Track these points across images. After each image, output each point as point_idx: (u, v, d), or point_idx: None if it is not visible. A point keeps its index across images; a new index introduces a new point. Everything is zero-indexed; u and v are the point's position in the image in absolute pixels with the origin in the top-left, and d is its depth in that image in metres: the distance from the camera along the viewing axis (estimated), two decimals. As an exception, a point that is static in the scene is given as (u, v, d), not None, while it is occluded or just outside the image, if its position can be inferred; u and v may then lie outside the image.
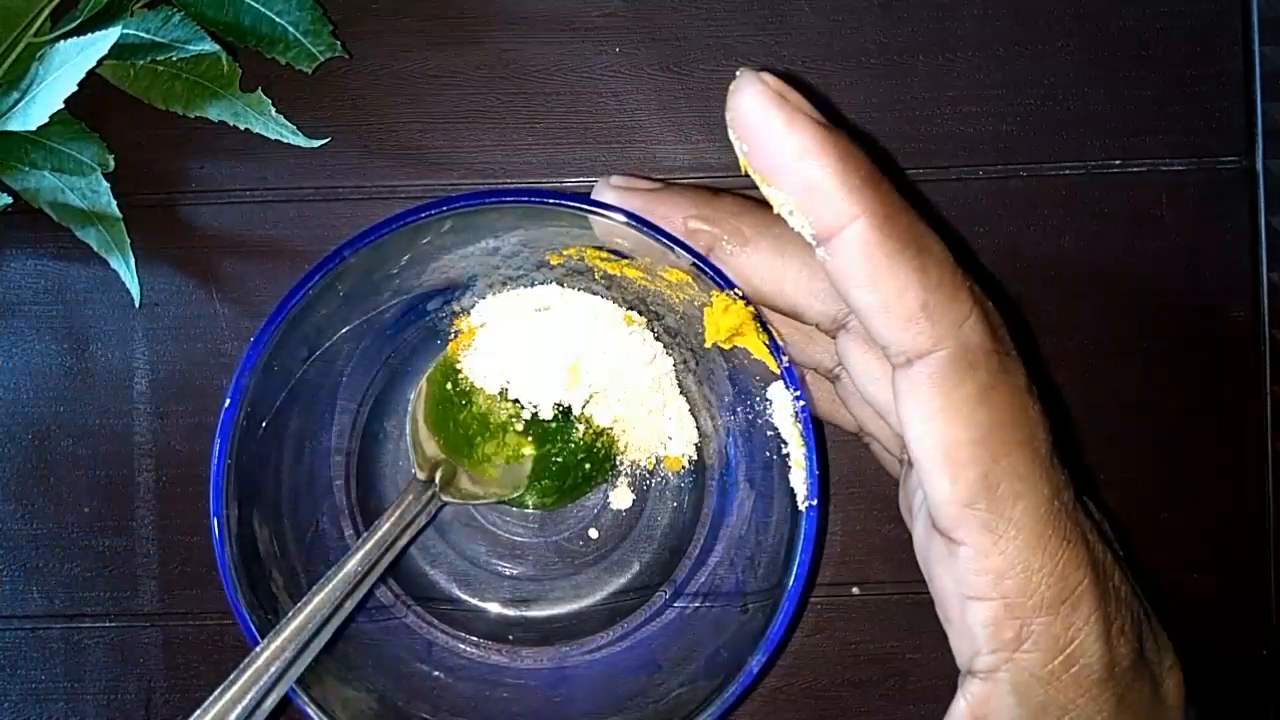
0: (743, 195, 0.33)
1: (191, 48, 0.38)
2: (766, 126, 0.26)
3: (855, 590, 0.43)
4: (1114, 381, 0.42)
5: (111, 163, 0.41)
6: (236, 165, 0.42)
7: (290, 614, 0.32)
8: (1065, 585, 0.27)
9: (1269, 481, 0.42)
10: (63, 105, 0.36)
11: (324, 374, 0.38)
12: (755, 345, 0.32)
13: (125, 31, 0.38)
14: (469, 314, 0.39)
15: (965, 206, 0.42)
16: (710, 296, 0.32)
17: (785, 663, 0.43)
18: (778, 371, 0.32)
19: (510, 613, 0.42)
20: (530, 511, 0.42)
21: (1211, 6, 0.42)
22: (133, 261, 0.41)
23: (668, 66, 0.42)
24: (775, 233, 0.31)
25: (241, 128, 0.40)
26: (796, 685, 0.43)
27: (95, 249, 0.41)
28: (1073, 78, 0.42)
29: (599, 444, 0.40)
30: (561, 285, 0.38)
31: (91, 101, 0.40)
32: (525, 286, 0.38)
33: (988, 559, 0.26)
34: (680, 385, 0.40)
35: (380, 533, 0.35)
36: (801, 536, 0.32)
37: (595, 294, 0.38)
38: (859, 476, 0.43)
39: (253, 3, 0.39)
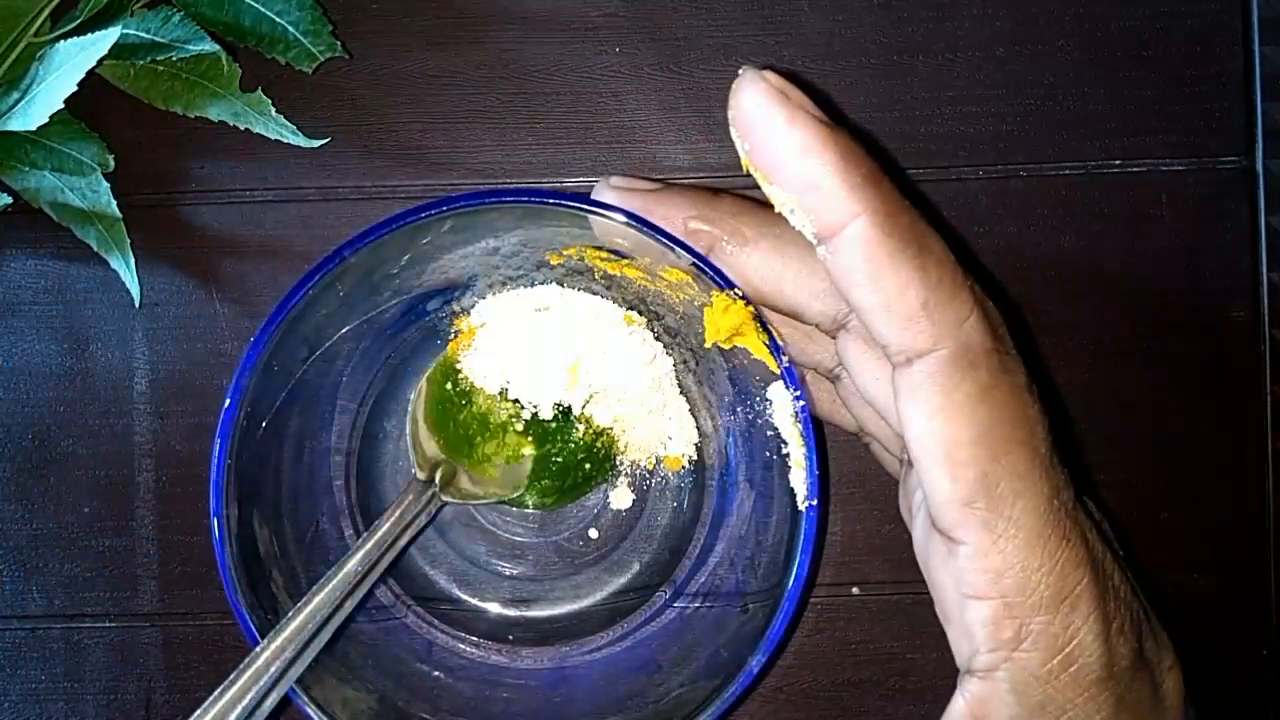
0: (743, 196, 0.33)
1: (191, 48, 0.38)
2: (768, 124, 0.26)
3: (855, 590, 0.43)
4: (1114, 381, 0.42)
5: (111, 163, 0.41)
6: (236, 165, 0.42)
7: (290, 614, 0.32)
8: (1064, 584, 0.27)
9: (1269, 481, 0.42)
10: (63, 105, 0.36)
11: (324, 374, 0.38)
12: (755, 345, 0.32)
13: (125, 31, 0.38)
14: (469, 314, 0.39)
15: (965, 206, 0.42)
16: (710, 296, 0.32)
17: (785, 663, 0.43)
18: (778, 371, 0.32)
19: (510, 613, 0.42)
20: (530, 511, 0.42)
21: (1211, 6, 0.42)
22: (133, 261, 0.41)
23: (668, 66, 0.42)
24: (775, 233, 0.31)
25: (241, 128, 0.40)
26: (796, 685, 0.43)
27: (95, 249, 0.41)
28: (1073, 78, 0.42)
29: (599, 444, 0.40)
30: (561, 285, 0.38)
31: (91, 101, 0.40)
32: (525, 286, 0.38)
33: (987, 558, 0.26)
34: (680, 385, 0.40)
35: (380, 533, 0.35)
36: (801, 536, 0.32)
37: (595, 294, 0.38)
38: (859, 476, 0.43)
39: (253, 3, 0.40)
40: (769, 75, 0.26)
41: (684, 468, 0.41)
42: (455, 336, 0.39)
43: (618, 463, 0.41)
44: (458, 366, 0.39)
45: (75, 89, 0.36)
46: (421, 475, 0.38)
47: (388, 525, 0.35)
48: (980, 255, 0.42)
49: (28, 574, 0.43)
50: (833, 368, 0.34)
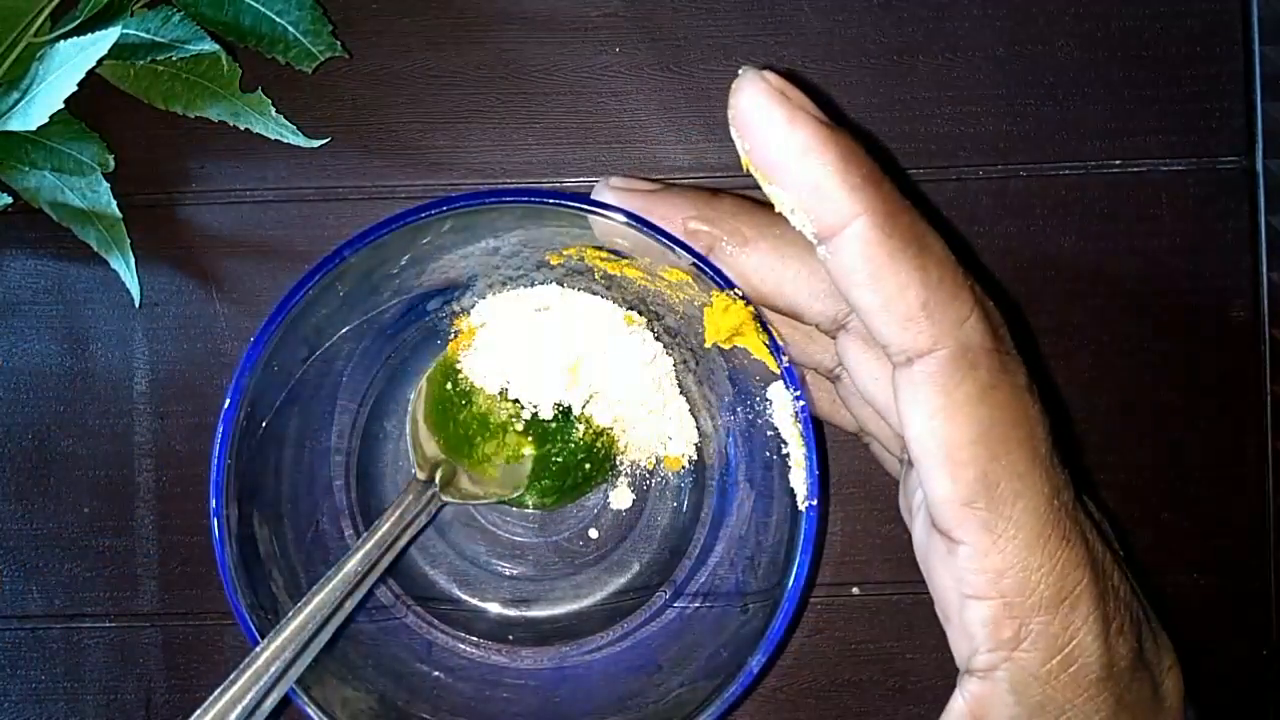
0: (742, 196, 0.33)
1: (191, 48, 0.38)
2: (768, 124, 0.26)
3: (855, 590, 0.43)
4: (1114, 381, 0.42)
5: (111, 163, 0.41)
6: (236, 165, 0.42)
7: (290, 614, 0.32)
8: (1064, 585, 0.27)
9: (1269, 481, 0.42)
10: (63, 105, 0.36)
11: (324, 374, 0.38)
12: (755, 345, 0.32)
13: (125, 31, 0.38)
14: (469, 314, 0.39)
15: (965, 206, 0.42)
16: (710, 296, 0.32)
17: (785, 663, 0.43)
18: (778, 371, 0.32)
19: (510, 613, 0.42)
20: (530, 511, 0.42)
21: (1211, 6, 0.42)
22: (133, 261, 0.41)
23: (668, 66, 0.42)
24: (775, 233, 0.31)
25: (241, 128, 0.40)
26: (796, 685, 0.43)
27: (95, 249, 0.41)
28: (1073, 78, 0.42)
29: (599, 444, 0.40)
30: (561, 285, 0.38)
31: (91, 101, 0.40)
32: (525, 286, 0.38)
33: (987, 558, 0.26)
34: (680, 385, 0.40)
35: (380, 533, 0.35)
36: (801, 536, 0.32)
37: (595, 294, 0.38)
38: (859, 476, 0.43)
39: (253, 3, 0.40)
40: (769, 75, 0.26)
41: (684, 468, 0.41)
42: (455, 336, 0.39)
43: (618, 463, 0.41)
44: (458, 366, 0.39)
45: (75, 89, 0.36)
46: (421, 475, 0.38)
47: (388, 525, 0.35)
48: (980, 255, 0.42)
49: (28, 574, 0.43)
50: (833, 368, 0.34)
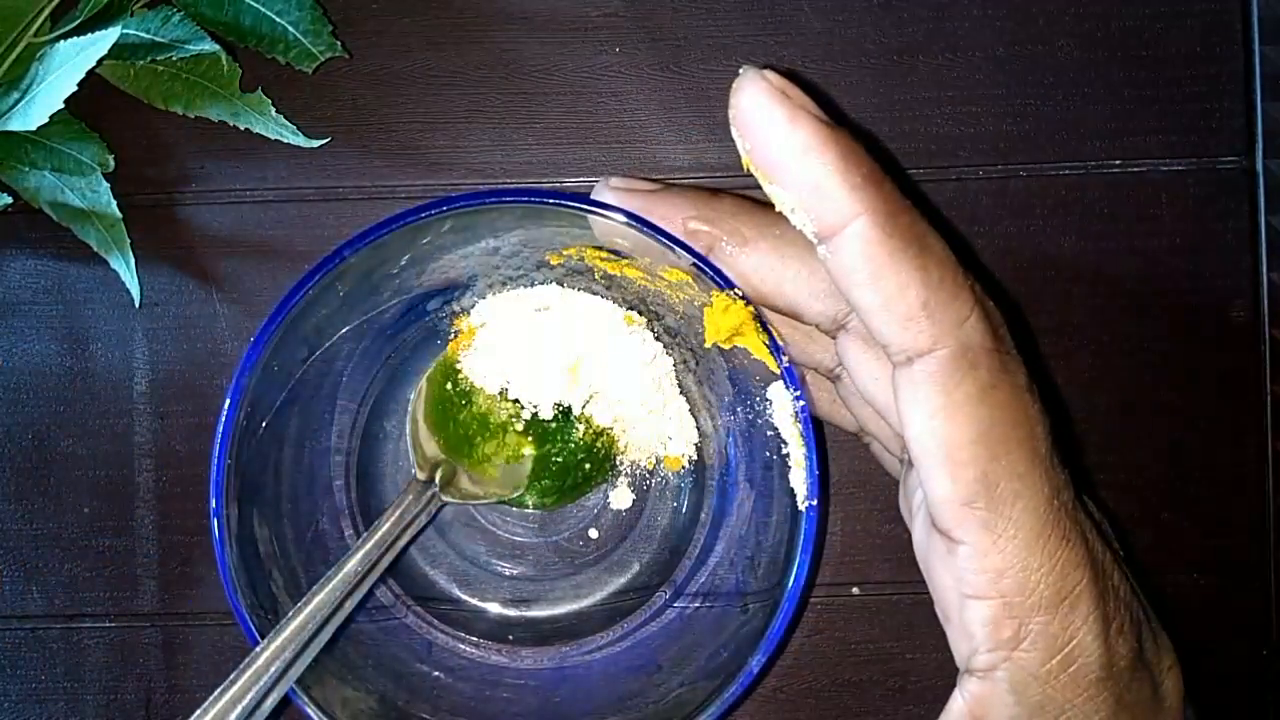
0: (742, 196, 0.33)
1: (191, 48, 0.38)
2: (769, 124, 0.26)
3: (855, 590, 0.43)
4: (1114, 381, 0.42)
5: (111, 163, 0.41)
6: (236, 165, 0.42)
7: (290, 614, 0.32)
8: (1064, 585, 0.27)
9: (1269, 481, 0.42)
10: (63, 105, 0.36)
11: (324, 374, 0.38)
12: (755, 345, 0.32)
13: (125, 31, 0.38)
14: (469, 314, 0.39)
15: (965, 206, 0.42)
16: (710, 296, 0.32)
17: (785, 663, 0.43)
18: (778, 371, 0.32)
19: (510, 613, 0.42)
20: (530, 511, 0.42)
21: (1211, 6, 0.42)
22: (133, 261, 0.41)
23: (668, 66, 0.42)
24: (775, 233, 0.31)
25: (241, 128, 0.40)
26: (796, 685, 0.43)
27: (95, 249, 0.41)
28: (1073, 78, 0.42)
29: (599, 444, 0.40)
30: (561, 285, 0.38)
31: (91, 101, 0.40)
32: (525, 286, 0.38)
33: (986, 558, 0.26)
34: (680, 385, 0.40)
35: (380, 533, 0.35)
36: (801, 536, 0.32)
37: (595, 294, 0.38)
38: (859, 476, 0.43)
39: (253, 3, 0.40)
40: (769, 75, 0.26)
41: (684, 468, 0.41)
42: (455, 336, 0.39)
43: (618, 463, 0.41)
44: (458, 366, 0.39)
45: (75, 89, 0.36)
46: (421, 475, 0.38)
47: (388, 525, 0.35)
48: (980, 255, 0.42)
49: (28, 574, 0.43)
50: (833, 368, 0.34)
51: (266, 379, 0.33)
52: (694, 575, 0.40)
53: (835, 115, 0.27)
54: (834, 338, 0.31)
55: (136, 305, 0.42)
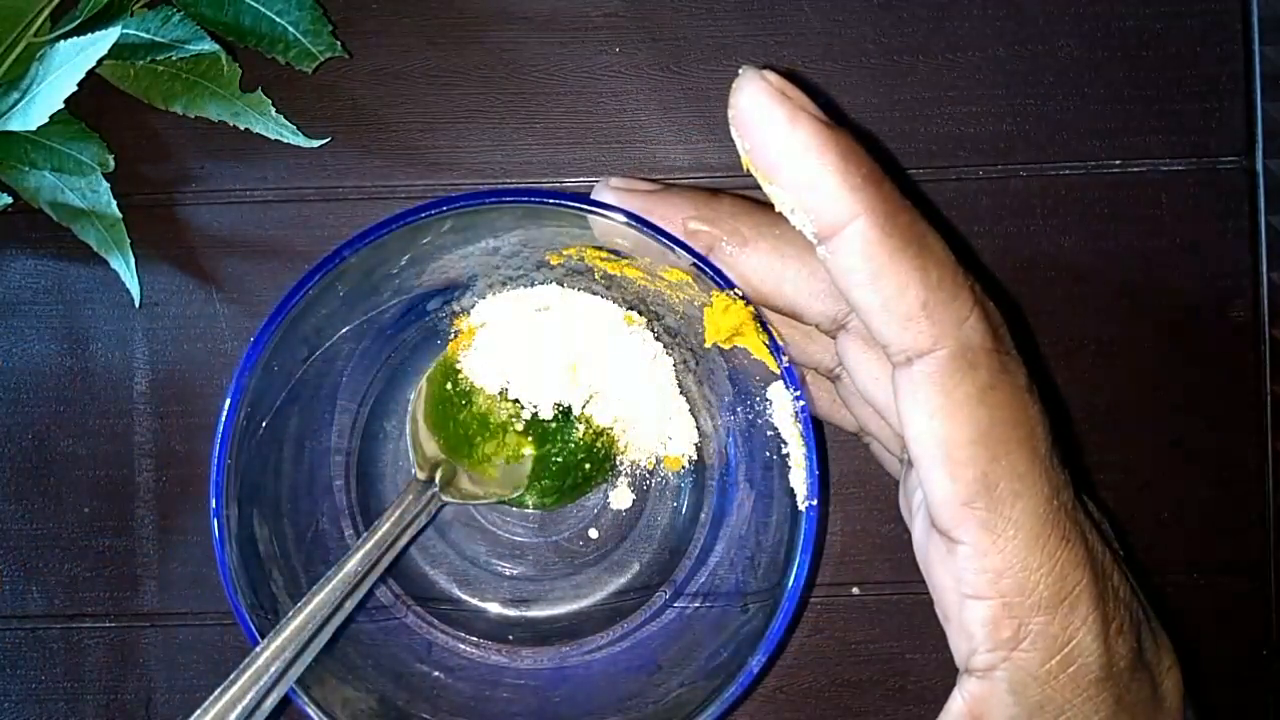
0: (742, 196, 0.33)
1: (191, 48, 0.38)
2: (768, 124, 0.26)
3: (855, 590, 0.43)
4: (1114, 381, 0.42)
5: (111, 163, 0.41)
6: (236, 165, 0.42)
7: (290, 614, 0.32)
8: (1063, 585, 0.27)
9: (1269, 481, 0.42)
10: (63, 105, 0.36)
11: (324, 374, 0.38)
12: (755, 345, 0.32)
13: (125, 31, 0.38)
14: (469, 314, 0.39)
15: (965, 206, 0.42)
16: (710, 296, 0.32)
17: (785, 663, 0.43)
18: (778, 371, 0.32)
19: (510, 613, 0.42)
20: (530, 511, 0.42)
21: (1211, 6, 0.42)
22: (133, 261, 0.41)
23: (668, 66, 0.42)
24: (775, 233, 0.31)
25: (241, 128, 0.40)
26: (796, 685, 0.43)
27: (95, 249, 0.41)
28: (1073, 78, 0.42)
29: (599, 444, 0.40)
30: (561, 285, 0.38)
31: (91, 101, 0.40)
32: (525, 286, 0.38)
33: (986, 558, 0.26)
34: (680, 385, 0.40)
35: (380, 533, 0.35)
36: (801, 536, 0.32)
37: (595, 294, 0.38)
38: (859, 476, 0.43)
39: (253, 3, 0.40)
40: (769, 75, 0.26)
41: (684, 468, 0.41)
42: (455, 336, 0.39)
43: (618, 463, 0.41)
44: (458, 366, 0.39)
45: (75, 89, 0.36)
46: (421, 475, 0.38)
47: (388, 525, 0.35)
48: (980, 255, 0.42)
49: (28, 574, 0.43)
50: (833, 368, 0.34)
51: (266, 379, 0.33)
52: (694, 575, 0.40)
53: (835, 115, 0.27)
54: (834, 338, 0.31)
55: (136, 305, 0.42)
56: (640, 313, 0.38)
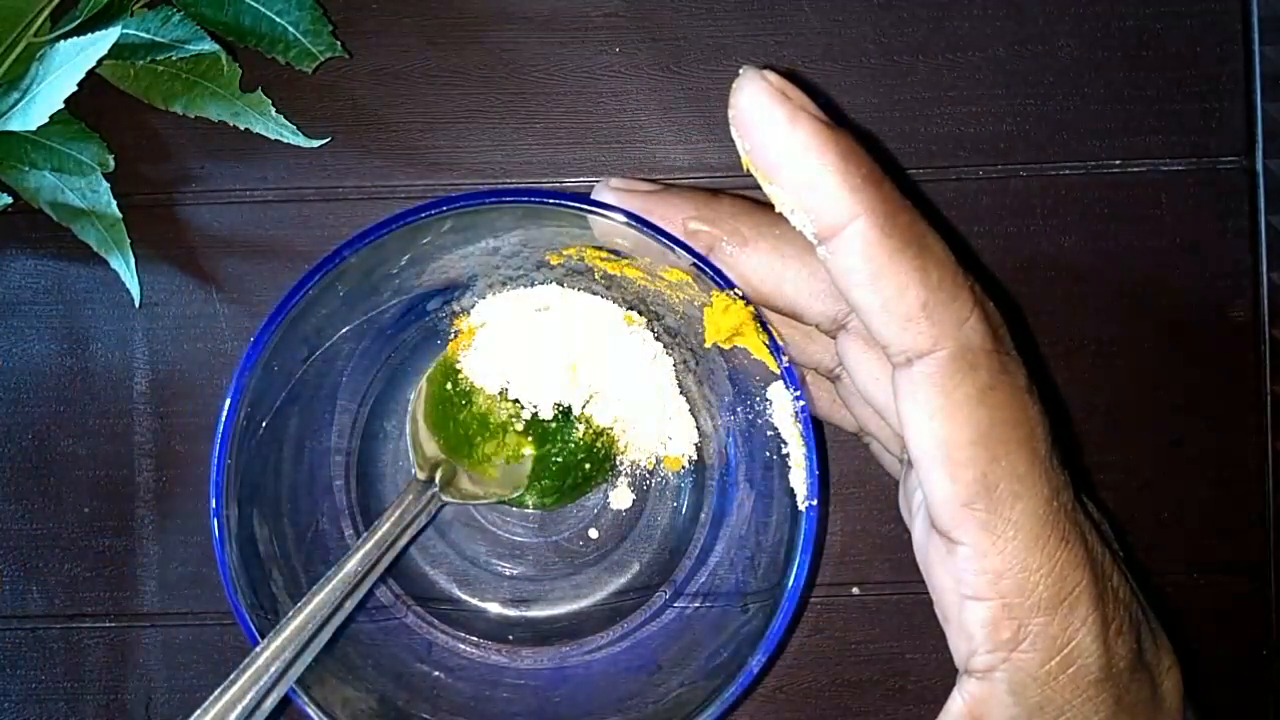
0: (742, 196, 0.33)
1: (191, 48, 0.38)
2: (768, 124, 0.26)
3: (855, 590, 0.43)
4: (1114, 381, 0.42)
5: (111, 163, 0.41)
6: (236, 165, 0.42)
7: (290, 614, 0.32)
8: (1063, 586, 0.27)
9: (1269, 481, 0.42)
10: (63, 105, 0.36)
11: (324, 374, 0.38)
12: (755, 345, 0.32)
13: (125, 31, 0.38)
14: (469, 314, 0.39)
15: (965, 206, 0.42)
16: (710, 296, 0.32)
17: (785, 663, 0.43)
18: (778, 371, 0.32)
19: (510, 613, 0.42)
20: (530, 511, 0.42)
21: (1211, 6, 0.42)
22: (133, 261, 0.41)
23: (668, 66, 0.42)
24: (775, 233, 0.31)
25: (241, 128, 0.40)
26: (796, 685, 0.43)
27: (95, 249, 0.41)
28: (1073, 78, 0.42)
29: (599, 444, 0.40)
30: (561, 285, 0.38)
31: (91, 101, 0.40)
32: (525, 286, 0.38)
33: (986, 559, 0.26)
34: (680, 385, 0.40)
35: (380, 533, 0.35)
36: (801, 536, 0.32)
37: (595, 294, 0.38)
38: (859, 476, 0.43)
39: (253, 3, 0.40)
40: (769, 75, 0.26)
41: (684, 468, 0.41)
42: (455, 336, 0.39)
43: (618, 463, 0.41)
44: (458, 366, 0.39)
45: (75, 89, 0.36)
46: (421, 475, 0.38)
47: (388, 525, 0.35)
48: (980, 255, 0.42)
49: (28, 574, 0.43)
50: (833, 368, 0.34)
51: (266, 379, 0.33)
52: (694, 575, 0.40)
53: (835, 115, 0.27)
54: (834, 338, 0.31)
55: (136, 305, 0.42)
56: (640, 313, 0.38)
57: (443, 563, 0.42)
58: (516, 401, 0.39)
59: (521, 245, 0.36)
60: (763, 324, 0.32)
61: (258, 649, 0.31)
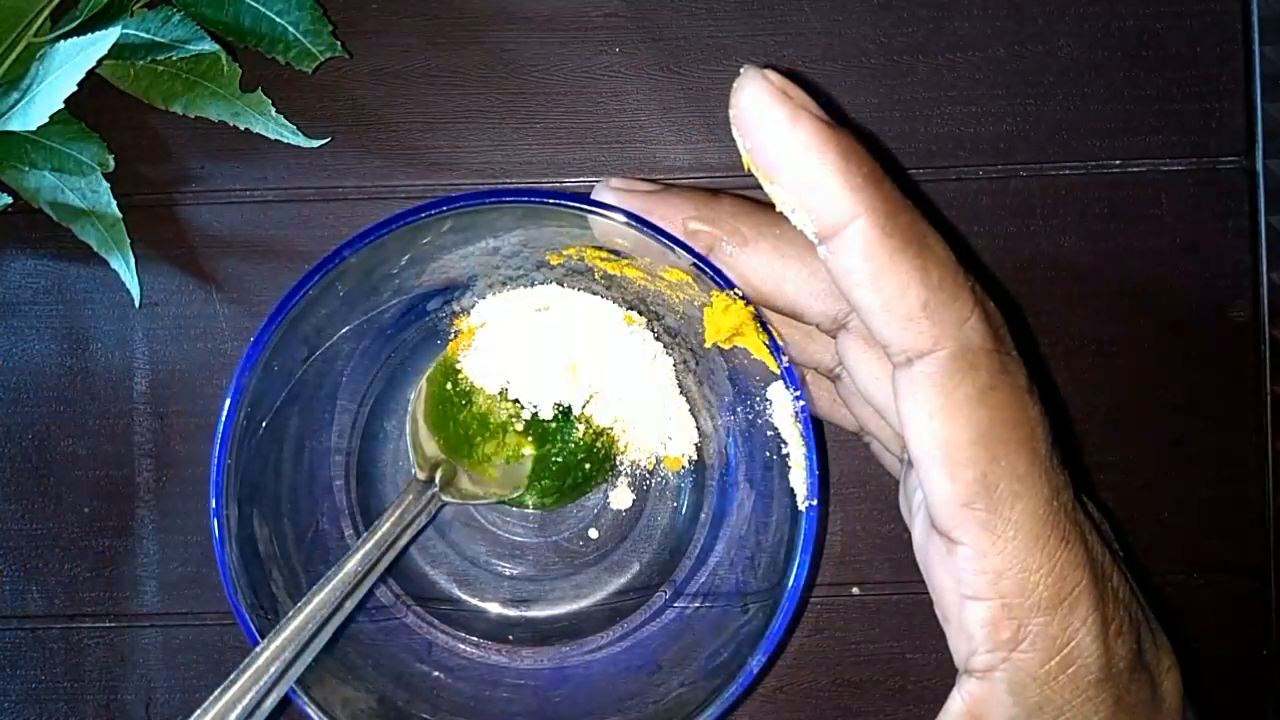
0: (742, 196, 0.33)
1: (191, 48, 0.38)
2: (769, 123, 0.26)
3: (855, 590, 0.43)
4: (1114, 381, 0.42)
5: (111, 163, 0.41)
6: (236, 165, 0.42)
7: (290, 614, 0.32)
8: (1063, 586, 0.27)
9: (1269, 481, 0.42)
10: (63, 105, 0.36)
11: (324, 374, 0.38)
12: (755, 345, 0.32)
13: (125, 31, 0.38)
14: (469, 314, 0.39)
15: (965, 206, 0.42)
16: (710, 296, 0.32)
17: (785, 663, 0.43)
18: (778, 371, 0.32)
19: (510, 613, 0.42)
20: (530, 511, 0.42)
21: (1211, 6, 0.42)
22: (133, 261, 0.41)
23: (668, 66, 0.42)
24: (775, 233, 0.31)
25: (241, 128, 0.40)
26: (796, 685, 0.43)
27: (95, 249, 0.41)
28: (1073, 78, 0.42)
29: (599, 444, 0.40)
30: (561, 285, 0.38)
31: (91, 101, 0.40)
32: (525, 286, 0.38)
33: (986, 559, 0.26)
34: (680, 385, 0.40)
35: (380, 533, 0.35)
36: (801, 536, 0.32)
37: (595, 294, 0.38)
38: (859, 476, 0.43)
39: (253, 3, 0.40)
40: (770, 74, 0.26)
41: (684, 468, 0.41)
42: (455, 336, 0.39)
43: (618, 463, 0.41)
44: (458, 366, 0.39)
45: (75, 89, 0.36)
46: (421, 475, 0.38)
47: (388, 525, 0.35)
48: (980, 255, 0.42)
49: (28, 574, 0.43)
50: (833, 368, 0.34)
51: (266, 379, 0.33)
52: (694, 575, 0.40)
53: (835, 115, 0.27)
54: (834, 338, 0.31)
55: (136, 305, 0.42)
56: (640, 313, 0.38)
57: (443, 563, 0.42)
58: (516, 401, 0.39)
59: (521, 245, 0.36)
60: (763, 324, 0.32)
61: (258, 649, 0.31)
